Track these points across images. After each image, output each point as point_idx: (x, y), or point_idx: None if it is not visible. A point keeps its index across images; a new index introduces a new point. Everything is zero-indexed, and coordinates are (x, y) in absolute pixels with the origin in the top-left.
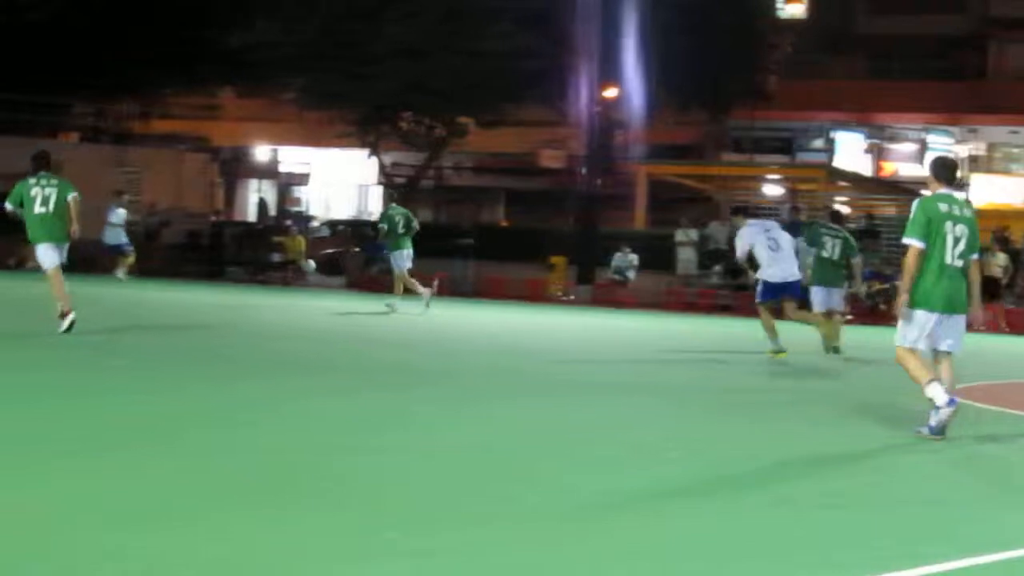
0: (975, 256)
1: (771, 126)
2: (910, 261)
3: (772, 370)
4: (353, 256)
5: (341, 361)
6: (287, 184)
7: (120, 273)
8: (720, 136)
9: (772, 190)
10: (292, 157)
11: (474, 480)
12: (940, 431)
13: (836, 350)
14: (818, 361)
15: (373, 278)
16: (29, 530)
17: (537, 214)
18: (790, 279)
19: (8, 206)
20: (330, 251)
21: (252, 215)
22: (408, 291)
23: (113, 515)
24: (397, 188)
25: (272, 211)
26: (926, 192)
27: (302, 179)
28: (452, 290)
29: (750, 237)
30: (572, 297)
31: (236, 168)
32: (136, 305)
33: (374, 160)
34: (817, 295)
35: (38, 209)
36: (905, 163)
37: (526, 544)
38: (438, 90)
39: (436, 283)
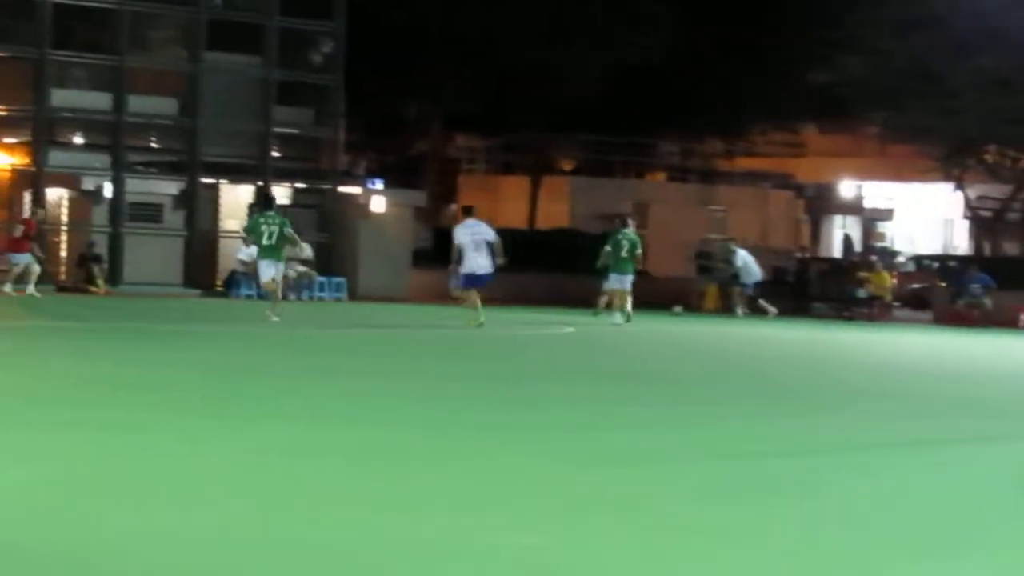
0: None
1: None
2: None
3: None
4: (939, 291)
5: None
6: (871, 219)
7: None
8: None
9: None
10: (875, 192)
11: None
12: None
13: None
14: None
15: (959, 312)
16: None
17: None
18: (483, 272)
19: (247, 236)
20: (916, 286)
21: (837, 251)
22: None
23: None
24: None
25: (857, 247)
26: None
27: (886, 214)
28: None
29: (462, 234)
30: None
31: (820, 204)
32: (724, 338)
33: (959, 194)
34: None
35: (265, 241)
36: None
37: None
38: None
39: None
